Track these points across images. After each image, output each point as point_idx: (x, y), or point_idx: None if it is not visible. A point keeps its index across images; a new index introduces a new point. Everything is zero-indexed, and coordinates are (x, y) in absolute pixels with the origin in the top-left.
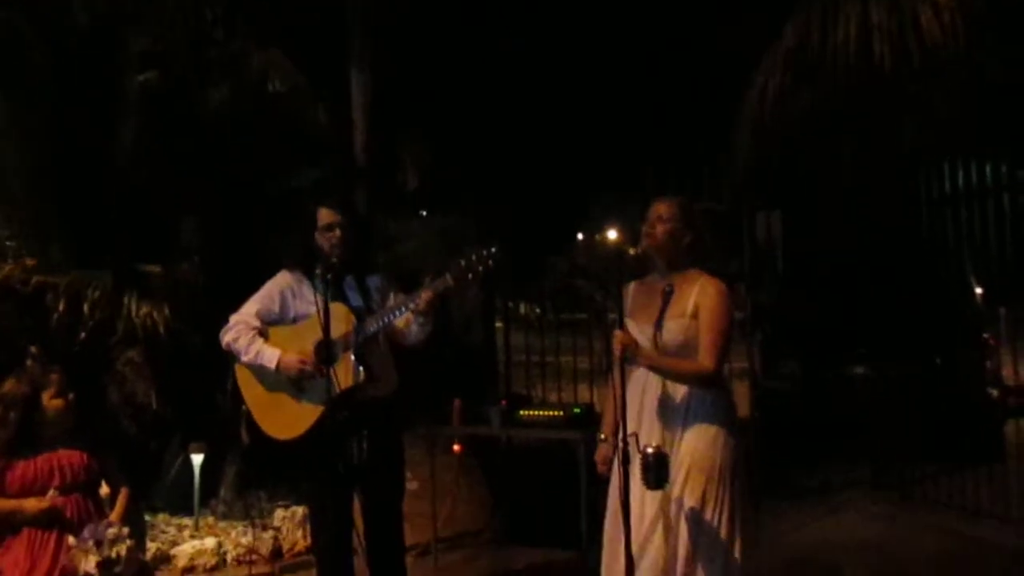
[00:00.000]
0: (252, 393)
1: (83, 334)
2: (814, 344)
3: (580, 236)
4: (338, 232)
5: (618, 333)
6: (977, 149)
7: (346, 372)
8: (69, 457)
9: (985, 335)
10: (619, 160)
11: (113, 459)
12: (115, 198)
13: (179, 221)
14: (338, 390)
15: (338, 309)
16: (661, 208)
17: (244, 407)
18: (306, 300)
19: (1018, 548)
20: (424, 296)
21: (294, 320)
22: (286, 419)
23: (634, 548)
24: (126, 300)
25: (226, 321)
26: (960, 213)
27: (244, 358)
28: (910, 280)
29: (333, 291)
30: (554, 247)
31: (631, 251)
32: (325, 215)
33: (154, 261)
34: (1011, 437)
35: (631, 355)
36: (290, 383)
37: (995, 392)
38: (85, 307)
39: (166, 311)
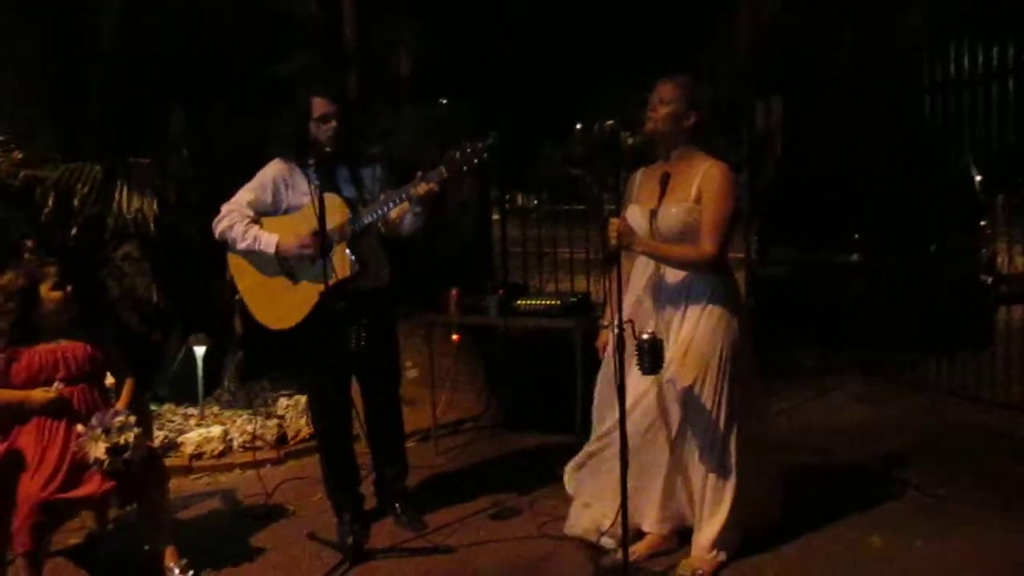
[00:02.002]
0: (246, 283)
1: (75, 229)
2: (810, 231)
3: (578, 126)
4: (333, 123)
5: (614, 220)
6: (983, 31)
7: (341, 263)
8: (72, 348)
9: (982, 223)
10: (617, 48)
11: (116, 350)
12: (102, 90)
13: (168, 113)
14: (333, 280)
15: (332, 200)
16: (663, 89)
17: (238, 297)
18: (298, 191)
19: (1002, 429)
20: (420, 188)
21: (286, 211)
22: (280, 309)
23: (629, 432)
24: (116, 194)
25: (218, 211)
26: (963, 98)
27: (240, 245)
28: (909, 167)
29: (326, 182)
30: (551, 136)
31: (628, 140)
32: (320, 105)
33: (143, 154)
34: (1001, 323)
35: (627, 243)
36: (284, 272)
37: (988, 279)
38: (75, 201)
39: (155, 205)
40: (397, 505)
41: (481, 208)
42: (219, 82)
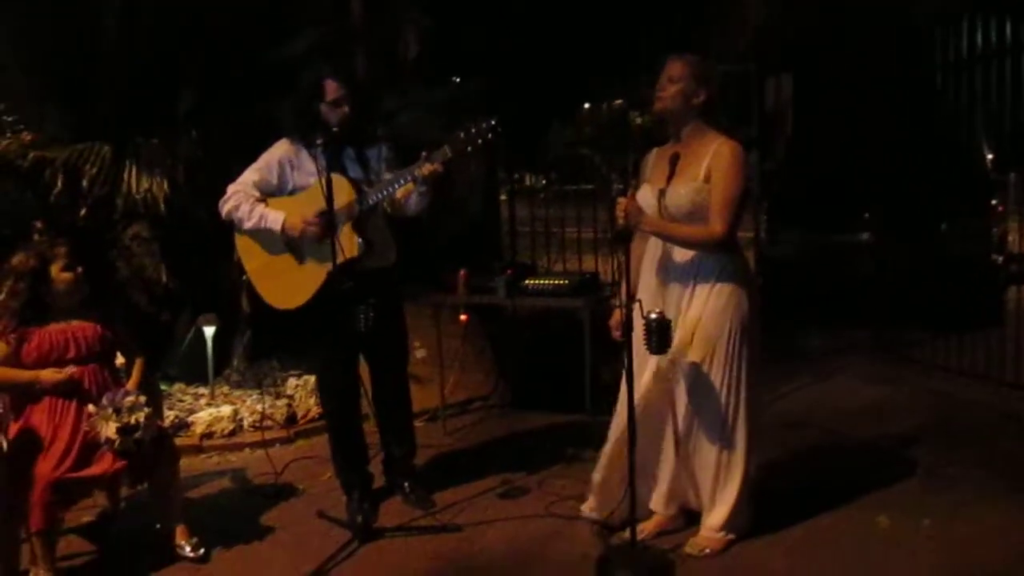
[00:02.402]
0: (253, 263)
1: (84, 209)
2: (820, 210)
3: (586, 105)
4: (345, 107)
5: (621, 200)
6: (996, 8)
7: (348, 243)
8: (83, 328)
9: (993, 201)
10: (626, 26)
11: (126, 330)
12: (111, 70)
13: (177, 93)
14: (339, 260)
15: (339, 181)
16: (671, 68)
17: (245, 277)
18: (305, 171)
19: (1011, 410)
20: (425, 168)
21: (292, 192)
22: (287, 289)
23: (638, 411)
24: (125, 175)
25: (225, 192)
26: (975, 75)
27: (247, 224)
28: (921, 145)
29: (333, 162)
30: (559, 115)
31: (637, 120)
32: (333, 88)
33: (152, 135)
34: (1011, 303)
35: (635, 222)
36: (291, 252)
37: (999, 259)
38: (84, 182)
39: (165, 186)
40: (405, 484)
41: (489, 188)
42: (228, 62)
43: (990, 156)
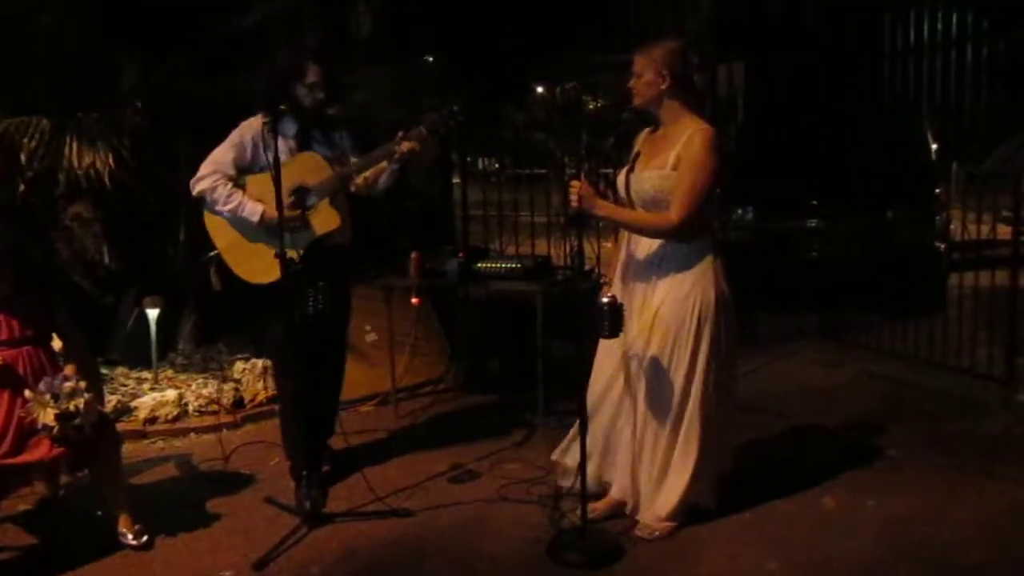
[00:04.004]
0: (225, 240)
1: (23, 186)
2: (769, 196)
3: (539, 89)
4: (321, 94)
5: (575, 183)
6: None
7: (329, 216)
8: (13, 309)
9: (937, 191)
10: (580, 10)
11: (65, 313)
12: (49, 40)
13: (120, 65)
14: (319, 233)
15: (312, 157)
16: (636, 63)
17: (215, 252)
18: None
19: (953, 392)
20: (404, 145)
21: (261, 170)
22: (261, 263)
23: (598, 396)
24: (66, 149)
25: (192, 170)
26: (922, 64)
27: (223, 208)
28: (868, 133)
29: (302, 141)
30: (511, 99)
31: (591, 105)
32: (314, 72)
33: (96, 109)
34: (953, 290)
35: (587, 206)
36: (266, 232)
37: (942, 246)
38: (23, 157)
39: (110, 160)
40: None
41: (442, 171)
42: (176, 35)
43: (935, 146)
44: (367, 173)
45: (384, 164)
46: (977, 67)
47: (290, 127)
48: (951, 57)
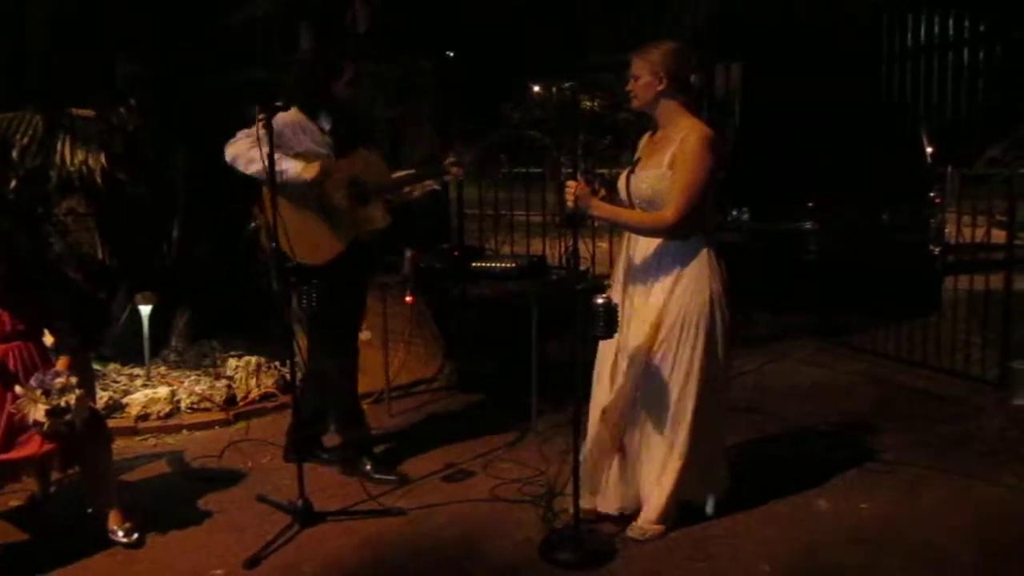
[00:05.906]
0: (286, 212)
1: (15, 182)
2: (765, 197)
3: (536, 88)
4: (357, 89)
5: (571, 183)
6: (940, 2)
7: (380, 215)
8: (4, 304)
9: (932, 193)
10: (576, 11)
11: (57, 308)
12: (43, 37)
13: (114, 62)
14: (370, 228)
15: (372, 155)
16: (633, 66)
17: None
18: (313, 137)
19: (946, 395)
20: (454, 171)
21: (297, 155)
22: (316, 242)
23: (599, 400)
24: (59, 146)
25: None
26: (919, 68)
27: (284, 165)
28: (864, 136)
29: (344, 135)
30: (508, 98)
31: (587, 104)
32: (351, 69)
33: (89, 105)
34: (948, 293)
35: (584, 206)
36: (321, 211)
37: (936, 249)
38: (14, 153)
39: (102, 158)
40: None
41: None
42: (171, 31)
43: (930, 149)
44: (415, 189)
45: (430, 182)
46: (973, 70)
47: (326, 121)
48: (947, 60)
